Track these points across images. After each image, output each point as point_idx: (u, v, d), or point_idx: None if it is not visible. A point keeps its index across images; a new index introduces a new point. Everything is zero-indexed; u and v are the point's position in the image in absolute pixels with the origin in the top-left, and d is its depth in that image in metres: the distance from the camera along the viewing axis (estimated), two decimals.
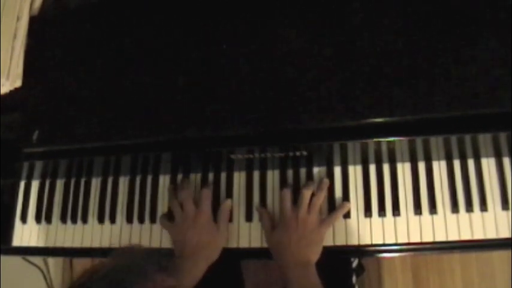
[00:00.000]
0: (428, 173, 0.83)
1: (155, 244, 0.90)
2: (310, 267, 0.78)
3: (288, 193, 0.84)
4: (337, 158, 0.85)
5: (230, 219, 0.88)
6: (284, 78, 0.76)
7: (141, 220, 0.93)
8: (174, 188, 0.92)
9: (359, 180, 0.85)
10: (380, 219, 0.83)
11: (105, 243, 0.93)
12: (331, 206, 0.85)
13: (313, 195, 0.84)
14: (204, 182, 0.91)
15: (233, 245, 0.87)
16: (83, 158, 0.89)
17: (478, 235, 0.79)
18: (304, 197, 0.82)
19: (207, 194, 0.87)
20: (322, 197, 0.83)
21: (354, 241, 0.83)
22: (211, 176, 0.92)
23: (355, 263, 1.03)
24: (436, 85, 0.71)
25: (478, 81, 0.69)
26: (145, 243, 0.91)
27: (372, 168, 0.85)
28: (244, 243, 0.87)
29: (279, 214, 0.85)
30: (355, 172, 0.86)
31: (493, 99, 0.69)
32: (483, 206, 0.80)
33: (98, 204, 0.96)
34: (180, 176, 0.93)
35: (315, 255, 0.80)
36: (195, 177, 0.92)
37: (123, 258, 0.59)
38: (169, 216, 0.91)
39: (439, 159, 0.83)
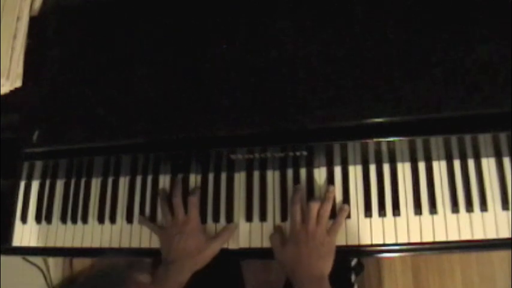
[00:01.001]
0: (428, 173, 0.83)
1: (155, 245, 0.90)
2: (324, 281, 0.78)
3: (298, 208, 0.83)
4: (337, 158, 0.85)
5: (230, 220, 0.88)
6: (284, 78, 0.76)
7: None
8: (164, 191, 0.92)
9: (359, 180, 0.86)
10: (380, 219, 0.83)
11: (105, 243, 0.93)
12: (332, 206, 0.85)
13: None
14: (204, 182, 0.92)
15: (233, 245, 0.87)
16: (83, 158, 0.89)
17: (478, 235, 0.79)
18: (313, 209, 0.82)
19: (193, 201, 0.87)
20: (329, 208, 0.83)
21: (354, 241, 0.83)
22: (211, 176, 0.92)
23: (354, 262, 1.03)
24: (436, 85, 0.71)
25: (478, 81, 0.69)
26: (145, 243, 0.91)
27: (372, 168, 0.86)
28: (244, 243, 0.87)
29: (289, 229, 0.84)
30: (355, 172, 0.86)
31: (493, 99, 0.69)
32: (483, 206, 0.80)
33: (98, 204, 0.96)
34: (180, 176, 0.93)
35: (327, 267, 0.79)
36: (195, 178, 0.92)
37: (103, 266, 0.59)
38: (151, 218, 0.92)
39: (439, 159, 0.83)
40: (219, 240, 0.86)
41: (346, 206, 0.84)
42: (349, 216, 0.84)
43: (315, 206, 0.82)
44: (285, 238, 0.84)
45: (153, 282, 0.83)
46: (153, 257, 0.96)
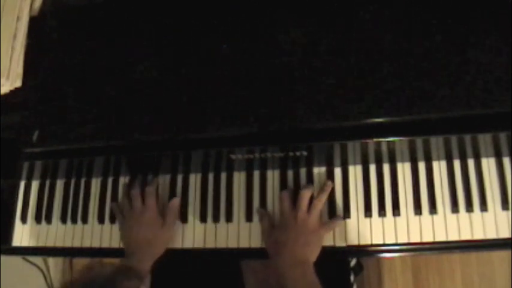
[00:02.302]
0: (428, 173, 0.83)
1: None
2: (308, 266, 0.78)
3: (286, 194, 0.84)
4: (337, 158, 0.85)
5: (230, 219, 0.88)
6: (284, 78, 0.76)
7: None
8: (129, 186, 0.94)
9: (359, 180, 0.86)
10: (380, 219, 0.83)
11: (105, 243, 0.93)
12: (332, 205, 0.85)
13: (313, 196, 0.84)
14: (204, 182, 0.92)
15: (233, 245, 0.87)
16: (83, 158, 0.89)
17: (478, 235, 0.79)
18: (303, 197, 0.82)
19: (149, 191, 0.89)
20: (323, 199, 0.83)
21: (354, 241, 0.83)
22: (211, 176, 0.92)
23: (353, 262, 1.03)
24: (436, 85, 0.71)
25: (478, 81, 0.69)
26: None
27: (372, 168, 0.85)
28: (244, 243, 0.87)
29: (279, 215, 0.85)
30: (355, 172, 0.86)
31: (493, 99, 0.69)
32: (483, 206, 0.80)
33: (98, 204, 0.96)
34: (180, 176, 0.93)
35: (312, 255, 0.80)
36: (195, 178, 0.92)
37: (91, 274, 0.59)
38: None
39: (439, 159, 0.83)
40: (168, 220, 0.87)
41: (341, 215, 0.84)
42: (349, 216, 0.84)
43: (306, 194, 0.83)
44: (274, 223, 0.84)
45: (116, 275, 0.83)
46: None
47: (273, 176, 0.89)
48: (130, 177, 0.95)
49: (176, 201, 0.90)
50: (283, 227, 0.81)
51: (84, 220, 0.96)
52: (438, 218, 0.81)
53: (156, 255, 0.86)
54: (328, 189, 0.84)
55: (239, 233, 0.88)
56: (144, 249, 0.84)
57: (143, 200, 0.89)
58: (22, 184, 1.01)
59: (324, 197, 0.83)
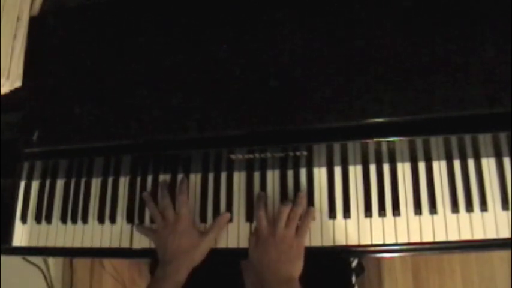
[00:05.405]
0: (428, 173, 0.83)
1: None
2: (294, 283, 0.78)
3: (262, 214, 0.84)
4: (337, 158, 0.85)
5: (230, 219, 0.88)
6: (284, 78, 0.76)
7: (141, 220, 0.93)
8: (149, 194, 0.93)
9: (359, 180, 0.86)
10: (380, 219, 0.83)
11: (105, 243, 0.93)
12: (332, 205, 0.85)
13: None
14: (204, 182, 0.92)
15: (233, 245, 0.87)
16: (83, 158, 0.89)
17: (478, 235, 0.79)
18: (283, 213, 0.82)
19: (182, 200, 0.88)
20: (299, 212, 0.84)
21: (354, 241, 0.83)
22: (211, 176, 0.92)
23: (354, 263, 1.03)
24: (436, 85, 0.71)
25: (478, 81, 0.69)
26: (145, 243, 0.91)
27: (372, 168, 0.85)
28: (244, 243, 0.87)
29: (257, 235, 0.84)
30: (355, 172, 0.86)
31: (493, 99, 0.69)
32: (483, 206, 0.80)
33: (98, 204, 0.96)
34: (179, 176, 0.93)
35: (297, 270, 0.80)
36: (195, 178, 0.93)
37: None
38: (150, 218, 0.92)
39: (439, 159, 0.83)
40: (212, 233, 0.86)
41: (312, 208, 0.84)
42: (349, 216, 0.84)
43: (285, 210, 0.83)
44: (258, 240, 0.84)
45: (152, 283, 0.83)
46: (151, 259, 0.96)
47: (273, 176, 0.89)
48: (131, 177, 0.96)
49: (227, 217, 0.88)
50: (263, 247, 0.81)
51: (84, 220, 0.96)
52: (438, 218, 0.81)
53: (193, 264, 0.84)
54: (302, 202, 0.84)
55: (239, 233, 0.88)
56: (181, 258, 0.83)
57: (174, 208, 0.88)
58: (22, 184, 1.01)
59: (300, 210, 0.83)
